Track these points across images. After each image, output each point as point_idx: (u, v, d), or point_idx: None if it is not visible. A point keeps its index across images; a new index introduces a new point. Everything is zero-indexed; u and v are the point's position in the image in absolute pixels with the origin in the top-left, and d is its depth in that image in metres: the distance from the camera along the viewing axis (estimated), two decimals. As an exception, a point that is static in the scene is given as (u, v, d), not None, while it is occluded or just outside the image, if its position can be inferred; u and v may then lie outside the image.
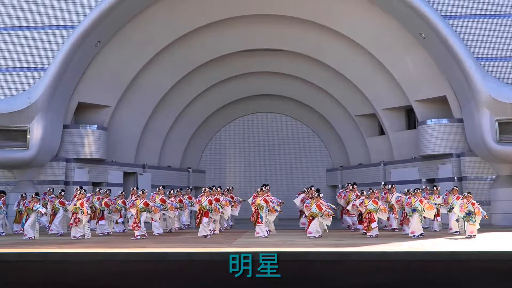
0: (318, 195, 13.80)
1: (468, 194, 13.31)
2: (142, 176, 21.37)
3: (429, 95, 19.27)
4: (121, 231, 15.76)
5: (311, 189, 14.91)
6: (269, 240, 12.21)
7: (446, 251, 9.82)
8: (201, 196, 13.92)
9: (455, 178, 18.27)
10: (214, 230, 14.33)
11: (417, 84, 19.32)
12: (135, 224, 13.48)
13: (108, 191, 15.75)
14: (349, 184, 16.61)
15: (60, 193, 15.55)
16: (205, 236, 13.31)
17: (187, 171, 24.24)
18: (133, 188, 15.93)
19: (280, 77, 23.14)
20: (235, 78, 22.86)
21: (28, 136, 17.30)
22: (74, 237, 13.50)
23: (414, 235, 13.07)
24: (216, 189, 14.65)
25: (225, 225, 16.22)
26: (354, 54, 20.21)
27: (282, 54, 21.67)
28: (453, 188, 14.83)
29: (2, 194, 15.22)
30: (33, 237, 13.56)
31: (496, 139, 16.81)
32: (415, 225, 13.24)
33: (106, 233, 14.98)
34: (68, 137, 18.71)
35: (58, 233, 14.83)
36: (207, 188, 14.11)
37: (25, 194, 15.75)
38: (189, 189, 18.04)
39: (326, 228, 13.65)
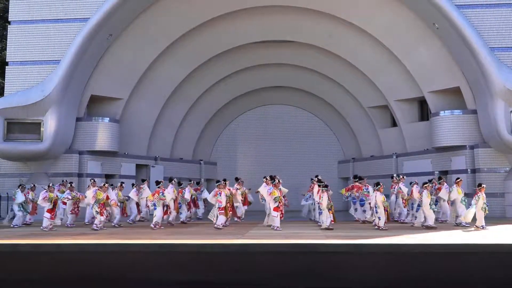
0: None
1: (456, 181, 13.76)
2: (154, 168, 21.51)
3: (443, 86, 19.06)
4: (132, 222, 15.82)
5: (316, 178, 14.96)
6: (281, 232, 12.22)
7: (459, 244, 9.75)
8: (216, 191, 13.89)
9: (469, 170, 18.08)
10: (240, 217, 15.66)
11: (430, 75, 19.11)
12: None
13: (119, 184, 15.86)
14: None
15: (71, 185, 15.69)
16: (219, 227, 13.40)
17: (199, 163, 24.33)
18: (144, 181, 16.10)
19: (292, 69, 23.04)
20: (246, 70, 22.82)
21: (42, 128, 17.51)
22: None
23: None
24: (223, 181, 14.54)
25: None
26: (367, 45, 20.04)
27: (294, 46, 21.56)
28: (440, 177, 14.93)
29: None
30: (47, 228, 13.65)
31: (510, 131, 16.59)
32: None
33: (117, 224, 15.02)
34: (81, 129, 18.88)
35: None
36: (222, 181, 14.13)
37: (34, 185, 15.94)
38: (193, 182, 17.48)
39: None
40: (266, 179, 14.22)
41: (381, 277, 8.97)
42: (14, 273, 9.31)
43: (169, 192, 14.28)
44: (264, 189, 13.85)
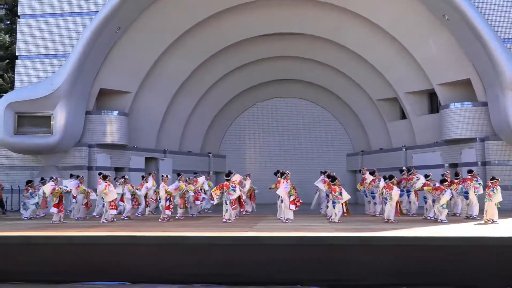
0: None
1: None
2: (163, 161, 21.60)
3: (453, 78, 18.90)
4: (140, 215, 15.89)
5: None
6: (290, 225, 12.25)
7: (469, 236, 9.71)
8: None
9: (479, 162, 17.96)
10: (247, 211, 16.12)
11: (440, 67, 18.96)
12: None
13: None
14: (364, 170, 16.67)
15: (82, 177, 15.82)
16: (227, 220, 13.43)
17: (208, 156, 24.40)
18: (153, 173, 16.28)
19: (299, 61, 22.97)
20: (254, 63, 22.78)
21: (52, 122, 17.65)
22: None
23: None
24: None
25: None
26: (375, 37, 19.89)
27: (301, 38, 21.48)
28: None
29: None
30: (57, 221, 13.75)
31: (521, 123, 16.44)
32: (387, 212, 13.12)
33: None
34: (91, 123, 18.99)
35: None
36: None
37: (45, 180, 16.03)
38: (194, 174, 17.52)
39: None
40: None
41: (390, 270, 8.97)
42: (26, 265, 9.43)
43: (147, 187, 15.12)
44: (282, 191, 13.35)
